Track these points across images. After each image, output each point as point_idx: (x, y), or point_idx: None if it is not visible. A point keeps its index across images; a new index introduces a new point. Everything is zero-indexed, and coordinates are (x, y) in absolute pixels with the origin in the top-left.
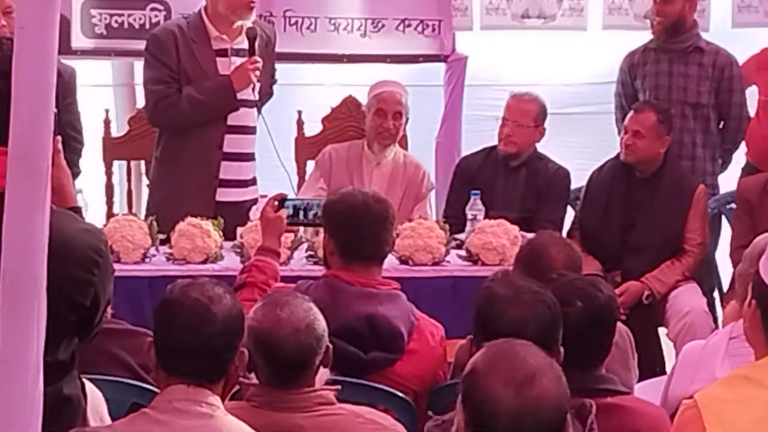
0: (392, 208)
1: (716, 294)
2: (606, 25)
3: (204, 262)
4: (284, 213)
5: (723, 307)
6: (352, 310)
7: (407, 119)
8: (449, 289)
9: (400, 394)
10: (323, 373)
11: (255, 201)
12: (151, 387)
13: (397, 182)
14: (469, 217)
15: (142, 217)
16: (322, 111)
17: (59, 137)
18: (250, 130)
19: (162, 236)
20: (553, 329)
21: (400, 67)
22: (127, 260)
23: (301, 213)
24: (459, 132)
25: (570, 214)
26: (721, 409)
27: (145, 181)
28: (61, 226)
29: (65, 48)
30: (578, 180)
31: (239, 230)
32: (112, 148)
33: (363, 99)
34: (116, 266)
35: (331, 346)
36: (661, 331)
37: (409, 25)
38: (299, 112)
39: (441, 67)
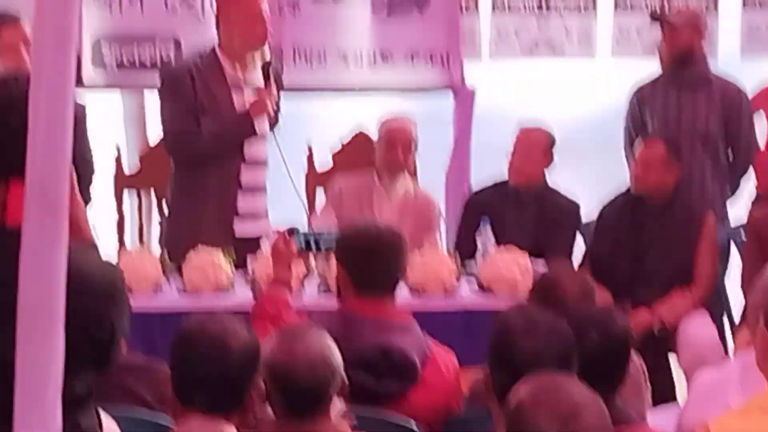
0: (404, 240)
1: (726, 321)
2: (615, 53)
3: (215, 293)
4: (295, 245)
5: (733, 335)
6: (365, 341)
7: (417, 151)
8: (460, 320)
9: (414, 425)
10: (339, 406)
11: (267, 234)
12: (166, 420)
13: (408, 214)
14: (480, 246)
15: (153, 249)
16: (330, 142)
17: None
18: (263, 163)
19: (174, 265)
20: (568, 360)
21: (409, 99)
22: (138, 293)
23: (313, 245)
24: (468, 164)
25: (580, 247)
26: None
27: (156, 215)
28: (77, 261)
29: (76, 82)
30: (589, 213)
31: (249, 261)
32: (124, 182)
33: (372, 133)
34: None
35: (346, 378)
36: (672, 358)
37: (418, 57)
38: (310, 148)
39: (450, 98)
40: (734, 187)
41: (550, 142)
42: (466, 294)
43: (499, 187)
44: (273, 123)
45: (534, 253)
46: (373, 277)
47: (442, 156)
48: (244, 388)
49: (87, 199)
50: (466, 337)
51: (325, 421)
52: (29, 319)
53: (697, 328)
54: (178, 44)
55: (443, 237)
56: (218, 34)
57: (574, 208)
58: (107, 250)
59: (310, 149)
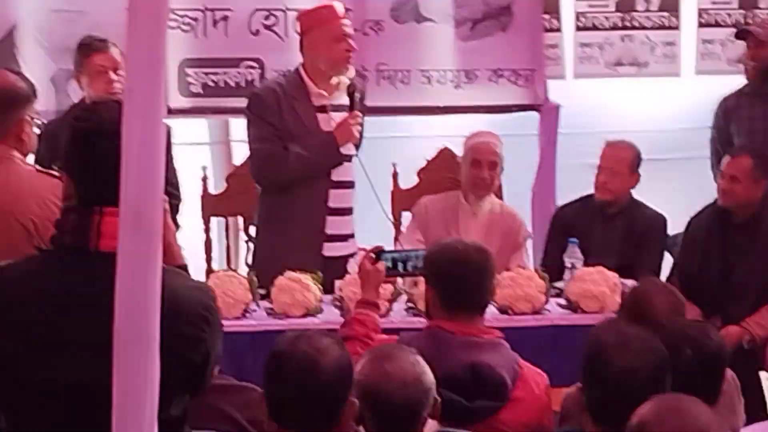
0: (493, 258)
1: None
2: (699, 70)
3: (304, 316)
4: (383, 265)
5: None
6: (455, 359)
7: (502, 169)
8: (549, 338)
9: None
10: (431, 425)
11: (353, 254)
12: None
13: (494, 232)
14: (567, 265)
15: (241, 272)
16: (416, 163)
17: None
18: (350, 185)
19: (262, 291)
20: (662, 377)
21: (494, 117)
22: (227, 316)
23: (400, 265)
24: (554, 180)
25: (667, 260)
26: None
27: (243, 237)
28: (171, 284)
29: None
30: (675, 226)
31: (337, 283)
32: (210, 205)
33: (457, 150)
34: None
35: (439, 398)
36: (763, 375)
37: (502, 75)
38: (394, 165)
39: (534, 116)
40: None
41: (637, 157)
42: (555, 311)
43: (584, 202)
44: (358, 145)
45: (621, 269)
46: (462, 296)
47: (527, 174)
48: (337, 407)
49: (174, 223)
50: (555, 355)
51: None
52: (125, 342)
53: None
54: (262, 68)
55: (530, 254)
56: (302, 55)
57: (661, 221)
58: (195, 272)
59: (395, 169)
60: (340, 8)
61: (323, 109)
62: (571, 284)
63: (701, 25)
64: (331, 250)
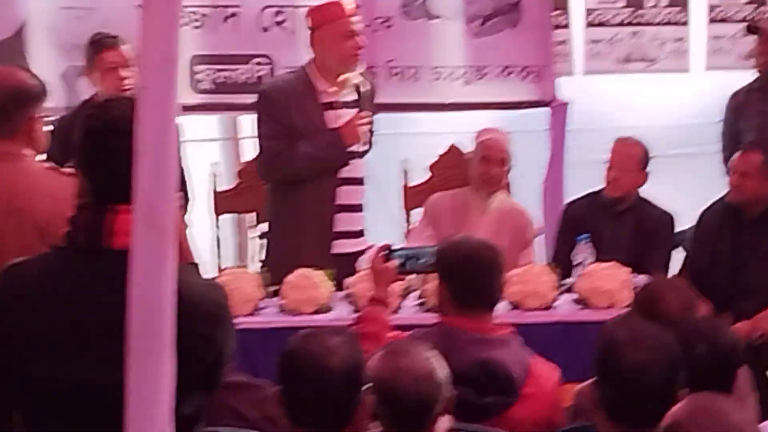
0: (503, 255)
1: None
2: (709, 66)
3: (315, 312)
4: (394, 263)
5: None
6: (466, 356)
7: (512, 165)
8: (559, 334)
9: None
10: (445, 420)
11: (364, 251)
12: None
13: (504, 229)
14: (577, 261)
15: (252, 269)
16: (426, 160)
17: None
18: (359, 182)
19: (273, 288)
20: (675, 373)
21: (503, 114)
22: (239, 313)
23: (411, 262)
24: (563, 177)
25: (678, 255)
26: None
27: (252, 234)
28: (184, 282)
29: None
30: (685, 221)
31: (347, 280)
32: (221, 202)
33: (467, 147)
34: None
35: (453, 393)
36: None
37: (512, 72)
38: (404, 162)
39: (544, 112)
40: None
41: (646, 154)
42: (565, 307)
43: (593, 198)
44: (370, 143)
45: (630, 265)
46: (473, 292)
47: (537, 170)
48: (348, 406)
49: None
50: (566, 351)
51: None
52: (139, 341)
53: None
54: (272, 64)
55: (541, 250)
56: (312, 51)
57: (669, 219)
58: (206, 269)
59: (405, 165)
60: (349, 5)
61: (331, 106)
62: (581, 280)
63: (711, 20)
64: (340, 246)
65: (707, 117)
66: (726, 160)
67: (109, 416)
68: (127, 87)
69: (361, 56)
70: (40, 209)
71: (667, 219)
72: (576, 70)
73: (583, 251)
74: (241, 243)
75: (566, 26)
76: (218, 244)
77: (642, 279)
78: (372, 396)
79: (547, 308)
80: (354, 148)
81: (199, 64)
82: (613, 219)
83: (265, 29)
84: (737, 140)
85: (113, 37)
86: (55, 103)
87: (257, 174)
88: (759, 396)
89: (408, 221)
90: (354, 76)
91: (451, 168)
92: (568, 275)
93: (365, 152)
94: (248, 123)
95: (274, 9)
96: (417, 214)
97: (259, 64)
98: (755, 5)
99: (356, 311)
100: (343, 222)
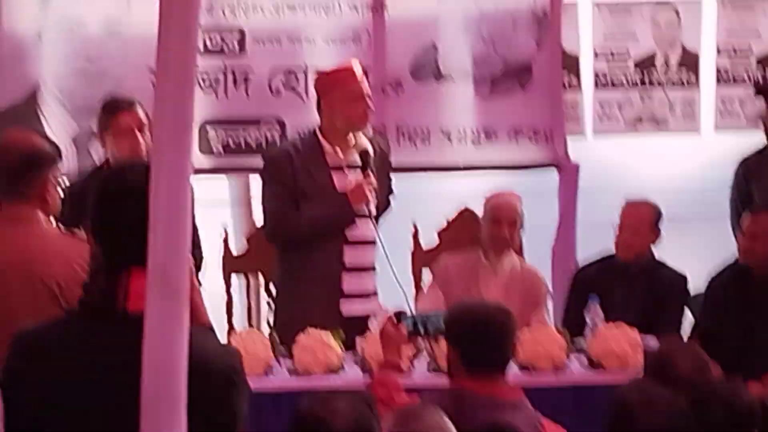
0: (514, 318)
1: None
2: (718, 126)
3: (326, 374)
4: (404, 327)
5: None
6: (477, 419)
7: (522, 226)
8: (571, 396)
9: None
10: None
11: (375, 313)
12: None
13: (515, 290)
14: (588, 322)
15: (263, 330)
16: (436, 221)
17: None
18: (369, 242)
19: (284, 349)
20: None
21: (514, 176)
22: (249, 374)
23: (421, 326)
24: (574, 239)
25: (688, 320)
26: None
27: (264, 296)
28: (199, 345)
29: None
30: (695, 286)
31: (358, 341)
32: (232, 264)
33: (477, 208)
34: None
35: None
36: None
37: (521, 133)
38: (415, 225)
39: (554, 173)
40: None
41: (657, 215)
42: (576, 370)
43: (605, 262)
44: (383, 206)
45: (643, 328)
46: (483, 355)
47: (547, 232)
48: None
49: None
50: (577, 413)
51: None
52: (152, 403)
53: None
54: (283, 127)
55: (551, 313)
56: (319, 115)
57: (682, 280)
58: (217, 332)
59: (415, 228)
60: (358, 69)
61: (338, 168)
62: (592, 343)
63: (720, 81)
64: (350, 307)
65: (717, 180)
66: (735, 224)
67: None
68: (141, 150)
69: (370, 118)
70: (53, 272)
71: (681, 280)
72: (586, 132)
73: (592, 312)
74: (252, 305)
75: (576, 87)
76: (229, 306)
77: (652, 340)
78: None
79: (559, 371)
80: (360, 210)
81: (210, 127)
82: (625, 280)
83: (276, 93)
84: (750, 204)
85: (128, 100)
86: (67, 166)
87: (265, 237)
88: None
89: (418, 283)
90: (362, 138)
91: (461, 231)
92: (579, 334)
93: (382, 212)
94: (259, 186)
95: (285, 72)
96: (425, 272)
97: (270, 127)
98: (764, 66)
99: (367, 371)
100: (352, 282)
